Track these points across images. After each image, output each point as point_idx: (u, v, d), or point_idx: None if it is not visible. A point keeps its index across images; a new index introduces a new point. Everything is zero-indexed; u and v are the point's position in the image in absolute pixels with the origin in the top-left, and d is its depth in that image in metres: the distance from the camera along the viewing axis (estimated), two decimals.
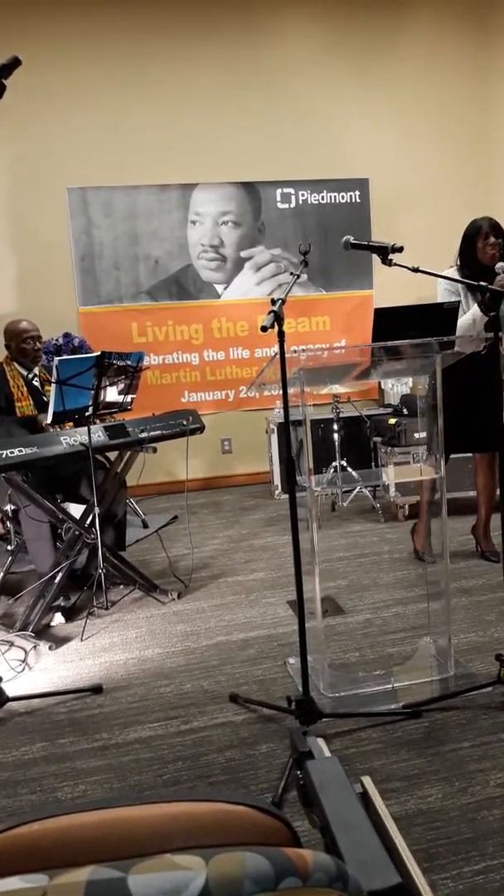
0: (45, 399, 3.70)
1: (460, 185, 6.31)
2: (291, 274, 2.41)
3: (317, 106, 6.03)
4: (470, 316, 3.25)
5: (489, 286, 2.46)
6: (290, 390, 2.23)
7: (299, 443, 5.15)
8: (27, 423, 3.61)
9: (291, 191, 6.09)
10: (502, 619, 3.02)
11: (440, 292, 3.45)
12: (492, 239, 3.30)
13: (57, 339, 5.22)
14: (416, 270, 2.74)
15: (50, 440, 3.15)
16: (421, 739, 2.19)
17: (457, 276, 3.32)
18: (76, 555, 3.45)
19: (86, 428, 3.20)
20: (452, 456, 3.39)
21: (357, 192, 6.18)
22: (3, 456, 2.96)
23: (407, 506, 4.68)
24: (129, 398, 3.63)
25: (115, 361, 3.38)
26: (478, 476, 3.71)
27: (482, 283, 2.49)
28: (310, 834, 1.53)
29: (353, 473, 4.93)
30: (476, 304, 3.26)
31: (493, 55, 6.24)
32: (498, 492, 3.71)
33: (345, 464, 4.95)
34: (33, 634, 3.17)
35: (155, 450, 3.49)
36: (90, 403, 3.34)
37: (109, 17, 5.62)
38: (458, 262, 3.42)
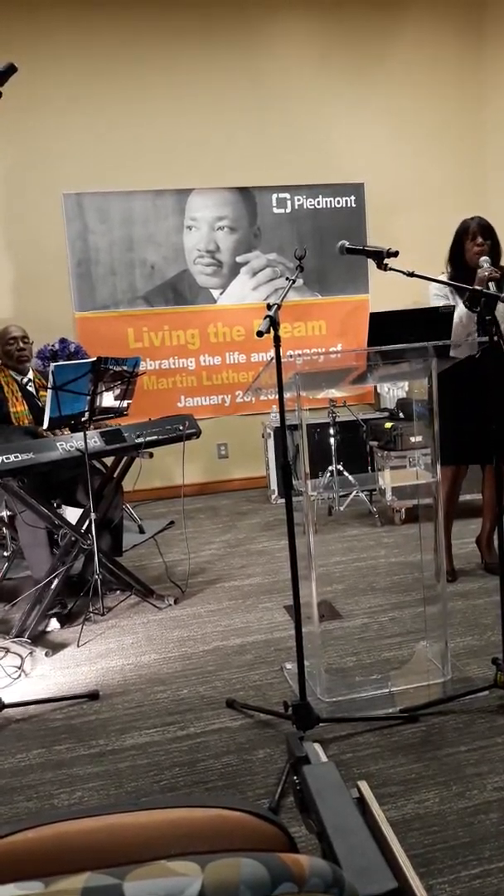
0: (39, 404, 3.71)
1: (455, 190, 6.33)
2: (287, 279, 2.42)
3: (312, 110, 6.05)
4: (456, 316, 3.12)
5: (484, 290, 2.45)
6: (287, 395, 2.23)
7: (296, 447, 5.17)
8: (27, 434, 3.60)
9: (287, 196, 6.10)
10: (499, 623, 3.01)
11: (431, 298, 3.44)
12: (479, 239, 3.29)
13: (53, 345, 5.21)
14: (411, 275, 2.74)
15: (46, 446, 3.15)
16: (418, 744, 2.19)
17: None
18: (72, 560, 3.44)
19: (82, 433, 3.20)
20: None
21: (352, 197, 6.20)
22: (0, 462, 2.96)
23: (403, 510, 4.68)
24: (125, 403, 3.63)
25: (111, 367, 3.39)
26: (485, 489, 3.60)
27: (475, 287, 2.50)
28: (306, 839, 1.53)
29: (350, 478, 4.94)
30: (462, 304, 3.17)
31: (486, 59, 6.28)
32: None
33: (341, 468, 4.96)
34: (29, 640, 3.16)
35: (151, 455, 3.49)
36: (86, 409, 3.35)
37: (104, 23, 5.63)
38: (448, 264, 3.42)
